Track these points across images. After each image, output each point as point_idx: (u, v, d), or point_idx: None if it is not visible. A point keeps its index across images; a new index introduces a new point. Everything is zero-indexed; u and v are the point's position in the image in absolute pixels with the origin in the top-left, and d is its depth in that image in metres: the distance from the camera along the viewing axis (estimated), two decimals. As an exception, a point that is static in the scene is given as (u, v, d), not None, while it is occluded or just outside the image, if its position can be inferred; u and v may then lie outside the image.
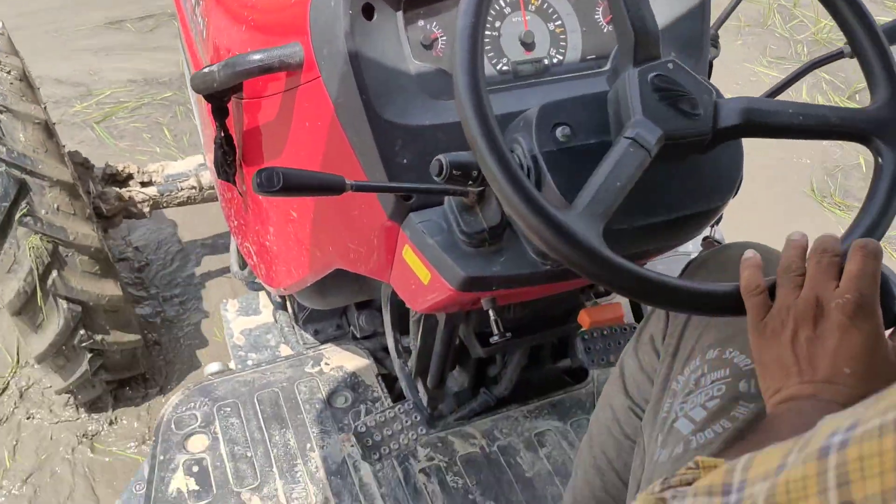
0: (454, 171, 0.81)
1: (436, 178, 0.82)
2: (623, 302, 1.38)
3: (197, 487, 1.38)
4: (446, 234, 0.98)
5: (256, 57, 1.01)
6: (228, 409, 1.52)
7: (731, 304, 0.73)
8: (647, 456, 0.78)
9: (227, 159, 1.30)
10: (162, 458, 1.42)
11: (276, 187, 0.78)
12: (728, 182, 0.93)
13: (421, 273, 1.02)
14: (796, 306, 0.64)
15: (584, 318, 1.19)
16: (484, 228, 0.95)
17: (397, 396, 1.57)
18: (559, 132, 0.85)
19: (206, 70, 1.08)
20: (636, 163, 0.76)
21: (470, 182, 0.83)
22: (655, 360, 0.87)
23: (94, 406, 2.11)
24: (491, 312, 1.05)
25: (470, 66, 0.75)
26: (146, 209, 2.43)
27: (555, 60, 1.04)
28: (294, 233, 1.27)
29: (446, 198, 0.98)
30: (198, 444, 1.46)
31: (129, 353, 2.05)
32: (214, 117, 1.21)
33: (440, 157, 0.81)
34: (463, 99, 0.74)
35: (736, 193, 0.95)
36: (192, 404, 1.52)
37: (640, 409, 0.87)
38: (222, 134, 1.27)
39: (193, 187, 2.47)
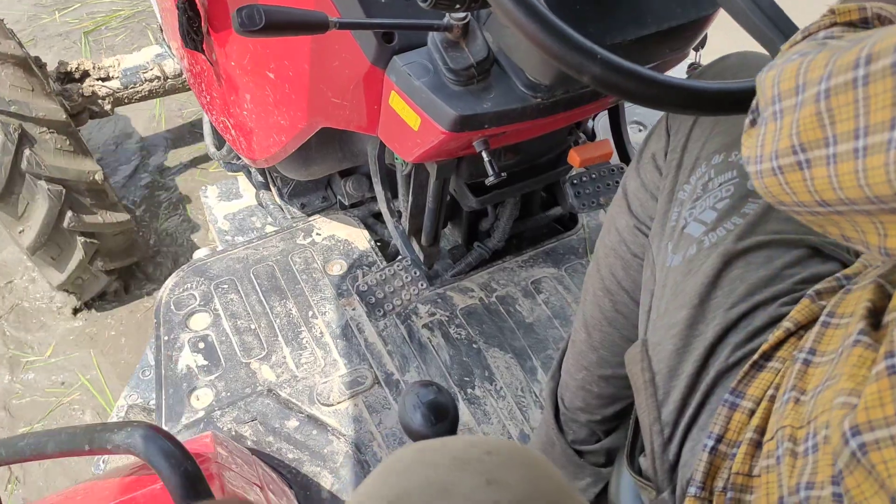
0: None
1: (421, 4, 0.79)
2: (610, 139, 1.38)
3: (206, 362, 1.39)
4: (433, 75, 0.95)
5: None
6: (226, 286, 1.52)
7: None
8: (657, 266, 0.79)
9: (192, 25, 1.24)
10: (166, 338, 1.43)
11: (258, 26, 0.74)
12: None
13: (410, 119, 1.00)
14: None
15: (574, 157, 1.19)
16: (471, 64, 0.93)
17: (391, 260, 1.58)
18: None
19: None
20: None
21: (458, 6, 0.79)
22: (658, 178, 0.87)
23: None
24: (484, 154, 1.04)
25: None
26: (108, 106, 2.35)
27: None
28: (273, 96, 1.23)
29: (430, 35, 0.95)
30: (200, 322, 1.47)
31: (122, 238, 2.03)
32: (175, -23, 1.15)
33: None
34: None
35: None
36: (189, 285, 1.52)
37: (645, 226, 0.88)
38: (185, -2, 1.21)
39: (157, 77, 2.38)
